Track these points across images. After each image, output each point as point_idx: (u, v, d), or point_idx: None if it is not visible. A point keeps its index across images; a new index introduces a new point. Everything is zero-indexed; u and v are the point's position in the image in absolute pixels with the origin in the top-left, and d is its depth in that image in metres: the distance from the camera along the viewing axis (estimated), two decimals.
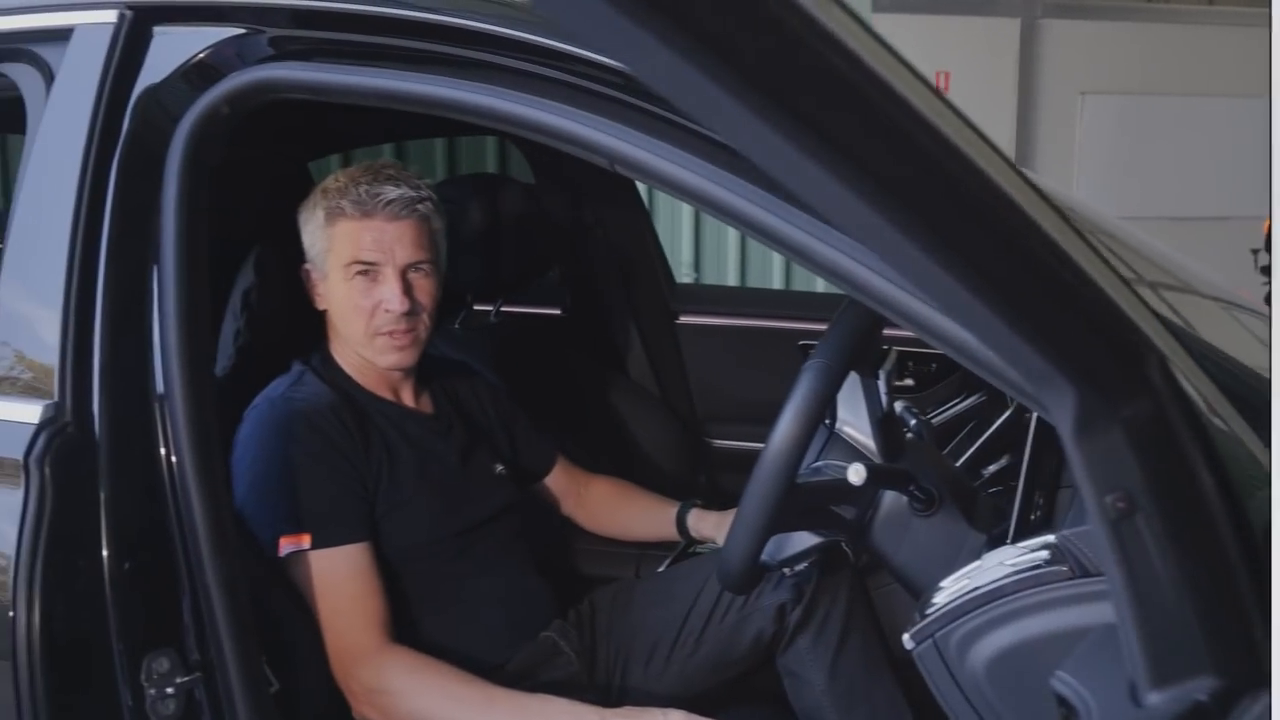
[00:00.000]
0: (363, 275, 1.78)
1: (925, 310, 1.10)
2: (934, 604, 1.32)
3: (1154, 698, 0.81)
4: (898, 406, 1.74)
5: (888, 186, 0.62)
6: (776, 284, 5.39)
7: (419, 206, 1.80)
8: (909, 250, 0.65)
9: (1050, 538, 1.26)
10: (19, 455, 1.38)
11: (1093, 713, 0.87)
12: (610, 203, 2.77)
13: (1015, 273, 0.70)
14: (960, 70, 5.79)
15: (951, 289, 0.68)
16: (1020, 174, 0.69)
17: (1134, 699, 0.84)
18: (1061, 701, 0.94)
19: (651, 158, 1.26)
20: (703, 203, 1.25)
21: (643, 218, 2.89)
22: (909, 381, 2.52)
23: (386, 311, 1.78)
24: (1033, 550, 1.27)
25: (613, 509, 2.23)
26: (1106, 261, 0.74)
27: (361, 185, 1.77)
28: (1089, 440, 0.78)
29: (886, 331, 1.65)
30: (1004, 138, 6.16)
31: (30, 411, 1.41)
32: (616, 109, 1.31)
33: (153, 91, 1.50)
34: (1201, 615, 0.80)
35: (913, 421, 1.79)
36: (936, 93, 0.62)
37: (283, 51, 1.51)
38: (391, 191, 1.77)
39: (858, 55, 0.56)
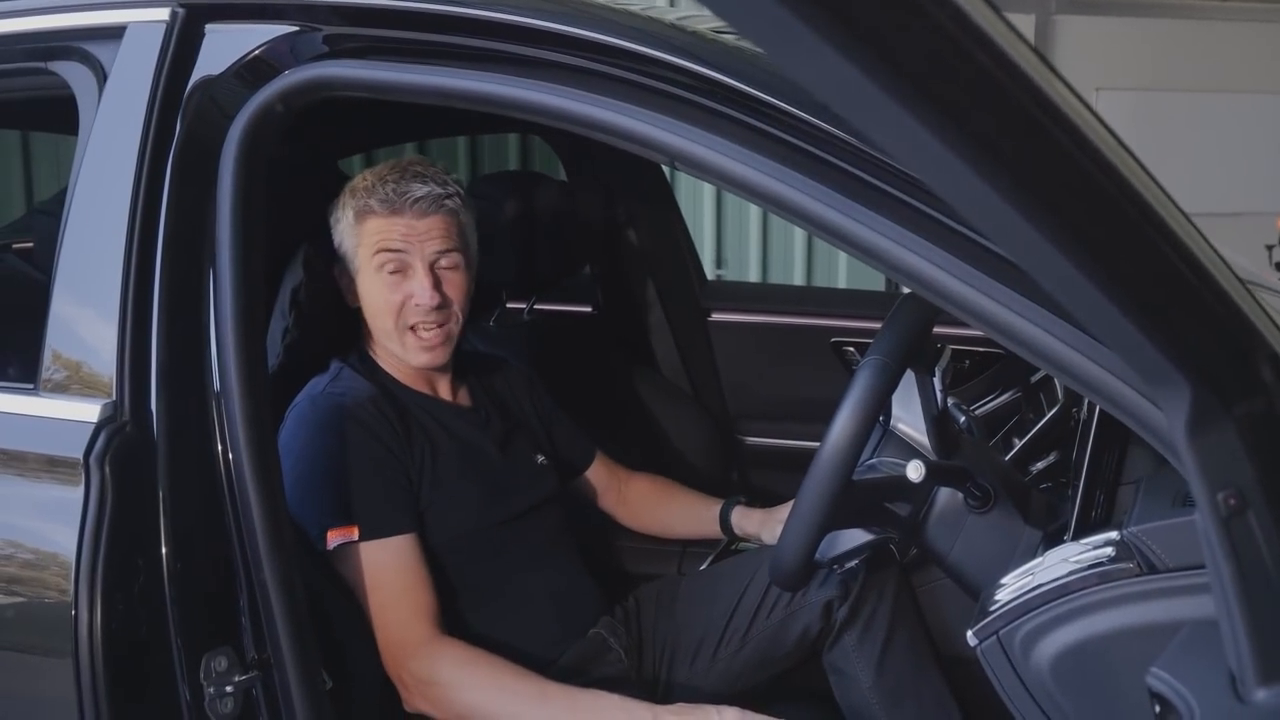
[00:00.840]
0: (392, 270, 1.79)
1: (997, 309, 1.10)
2: (997, 601, 1.32)
3: (1261, 694, 0.81)
4: (950, 404, 1.74)
5: (1023, 182, 0.62)
6: (799, 279, 5.39)
7: (447, 202, 1.81)
8: (1039, 245, 0.65)
9: (1115, 534, 1.25)
10: (79, 454, 1.38)
11: (1194, 710, 0.87)
12: (642, 200, 2.77)
13: (1141, 269, 0.70)
14: None
15: (1078, 284, 0.68)
16: (1147, 171, 0.69)
17: (1237, 695, 0.84)
18: (1157, 699, 0.94)
19: (714, 154, 1.26)
20: (767, 200, 1.24)
21: (674, 215, 2.89)
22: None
23: (416, 305, 1.79)
24: (1097, 547, 1.27)
25: (654, 506, 2.23)
26: (1224, 260, 0.74)
27: (389, 184, 1.78)
28: (1202, 438, 0.78)
29: None
30: None
31: (89, 410, 1.41)
32: (677, 106, 1.31)
33: (206, 89, 1.50)
34: None
35: (962, 418, 1.80)
36: (1068, 86, 0.62)
37: (337, 49, 1.50)
38: (419, 189, 1.78)
39: (1004, 51, 0.56)
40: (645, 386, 2.71)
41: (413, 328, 1.81)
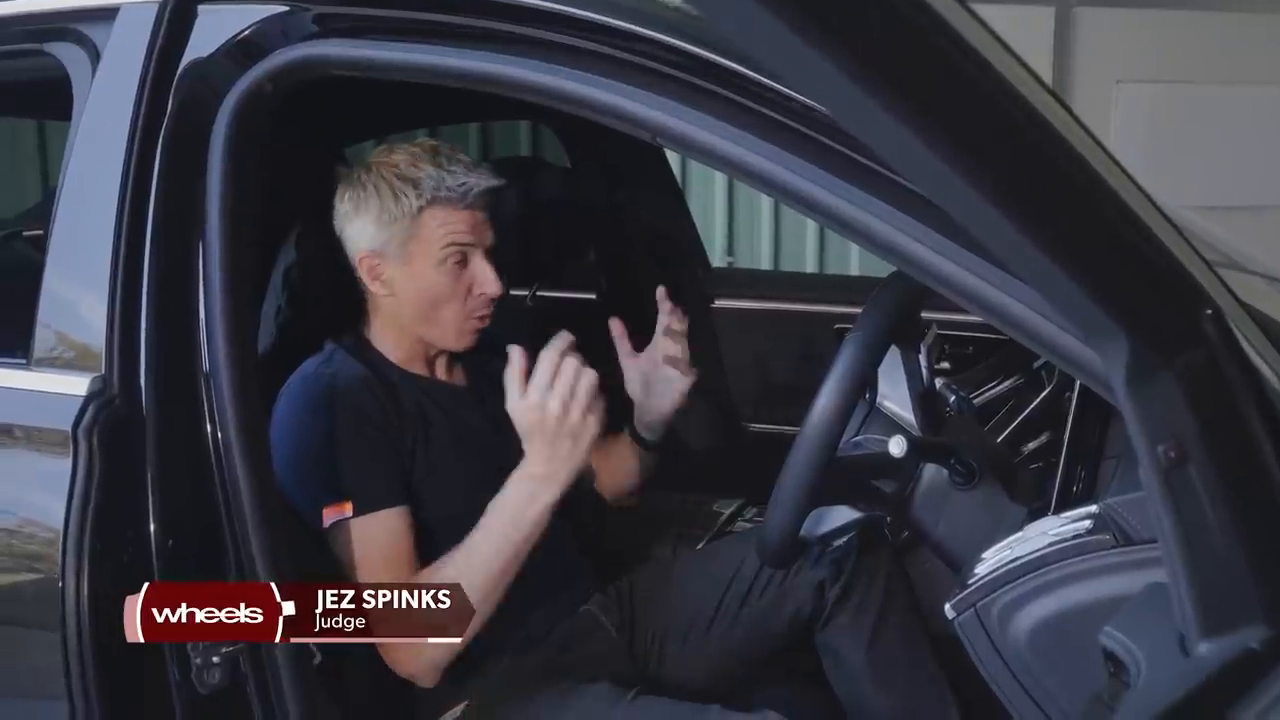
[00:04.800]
0: (456, 261, 1.82)
1: (974, 282, 1.10)
2: (976, 574, 1.32)
3: (1204, 647, 0.82)
4: (938, 383, 1.74)
5: (957, 137, 0.63)
6: (810, 267, 5.37)
7: (492, 195, 1.84)
8: (972, 199, 0.65)
9: (1093, 507, 1.26)
10: (67, 426, 1.40)
11: (1141, 666, 0.87)
12: (645, 187, 2.78)
13: (1075, 221, 0.70)
14: None
15: (1011, 236, 0.68)
16: (1082, 125, 0.69)
17: (1183, 650, 0.84)
18: (1110, 658, 0.94)
19: (695, 130, 1.27)
20: (749, 176, 1.25)
21: (678, 202, 2.90)
22: (945, 364, 2.52)
23: (481, 295, 1.84)
24: (1075, 520, 1.27)
25: (602, 469, 2.17)
26: (1164, 214, 0.74)
27: (455, 175, 1.79)
28: (1141, 390, 0.78)
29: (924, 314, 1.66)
30: None
31: (78, 384, 1.43)
32: (660, 82, 1.31)
33: (197, 69, 1.52)
34: (1253, 564, 0.80)
35: (953, 398, 1.79)
36: (1008, 49, 0.63)
37: (327, 28, 1.51)
38: (483, 180, 1.80)
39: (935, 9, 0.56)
40: None
41: (469, 315, 1.85)
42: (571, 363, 1.66)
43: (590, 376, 1.67)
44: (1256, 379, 0.81)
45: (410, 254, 1.81)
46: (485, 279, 1.83)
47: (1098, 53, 6.25)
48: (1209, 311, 0.78)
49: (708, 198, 5.23)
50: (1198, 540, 0.80)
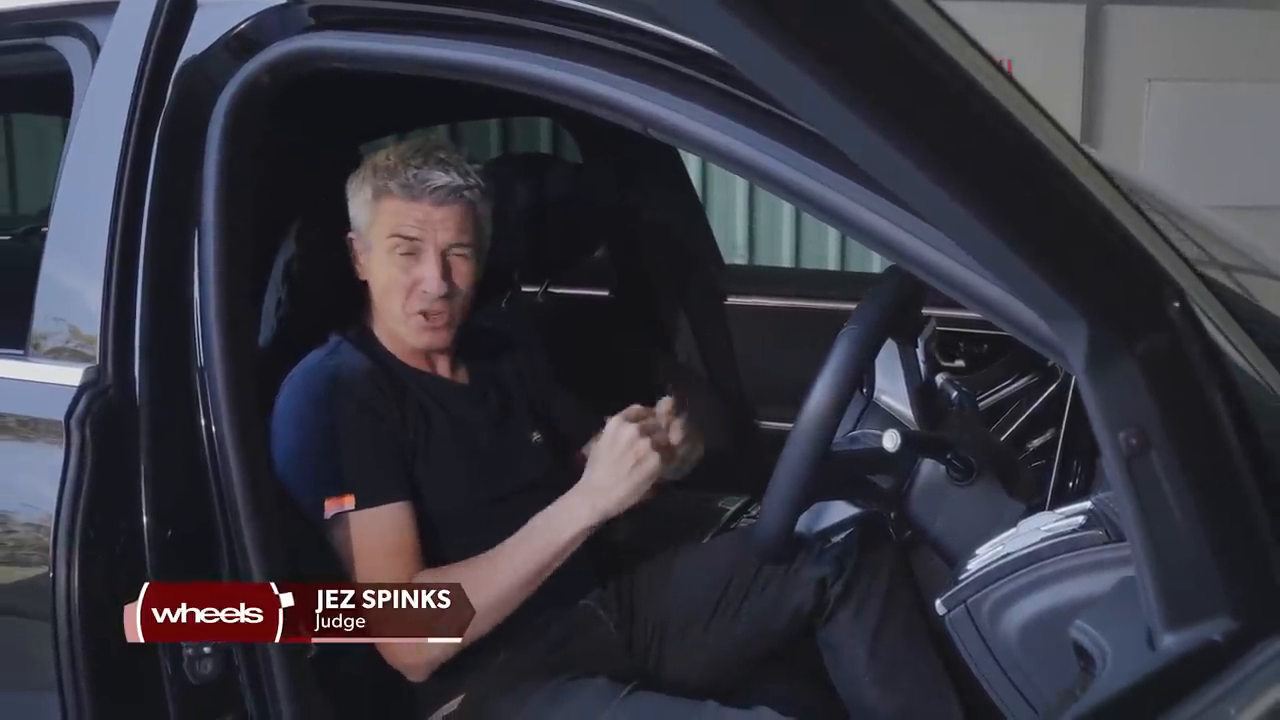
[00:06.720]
0: (404, 253, 1.81)
1: (959, 270, 1.08)
2: (968, 570, 1.31)
3: (1168, 639, 0.80)
4: (939, 378, 1.72)
5: (902, 116, 0.61)
6: (831, 265, 5.36)
7: (465, 193, 1.82)
8: (921, 182, 0.64)
9: (1086, 503, 1.25)
10: (60, 416, 1.40)
11: (1108, 660, 0.86)
12: (658, 183, 2.77)
13: (1027, 202, 0.68)
14: (1024, 57, 5.66)
15: (960, 217, 0.66)
16: (1038, 107, 0.67)
17: (1150, 643, 0.82)
18: (1080, 652, 0.92)
19: (687, 121, 1.26)
20: (742, 167, 1.24)
21: (691, 199, 2.89)
22: (960, 363, 2.50)
23: (424, 292, 1.81)
24: (1068, 516, 1.26)
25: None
26: (1125, 196, 0.72)
27: (411, 168, 1.79)
28: (1101, 375, 0.77)
29: (938, 311, 1.65)
30: (1069, 125, 6.03)
31: (72, 374, 1.44)
32: (652, 73, 1.31)
33: (195, 62, 1.52)
34: (1218, 555, 0.78)
35: (954, 393, 1.77)
36: (972, 41, 0.62)
37: (323, 21, 1.51)
38: (440, 178, 1.79)
39: None
40: (661, 371, 2.70)
41: (419, 311, 1.83)
42: (667, 411, 1.76)
43: (677, 429, 1.76)
44: (1222, 364, 0.79)
45: (370, 240, 1.84)
46: (426, 276, 1.80)
47: (1129, 51, 6.21)
48: (1175, 301, 0.76)
49: (728, 195, 5.22)
50: (1161, 530, 0.79)
